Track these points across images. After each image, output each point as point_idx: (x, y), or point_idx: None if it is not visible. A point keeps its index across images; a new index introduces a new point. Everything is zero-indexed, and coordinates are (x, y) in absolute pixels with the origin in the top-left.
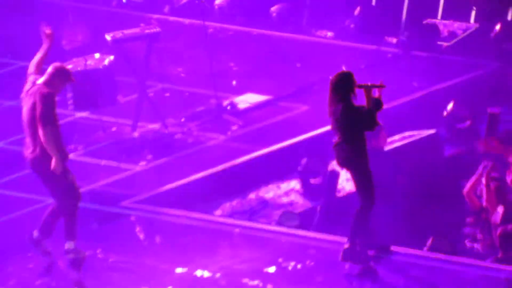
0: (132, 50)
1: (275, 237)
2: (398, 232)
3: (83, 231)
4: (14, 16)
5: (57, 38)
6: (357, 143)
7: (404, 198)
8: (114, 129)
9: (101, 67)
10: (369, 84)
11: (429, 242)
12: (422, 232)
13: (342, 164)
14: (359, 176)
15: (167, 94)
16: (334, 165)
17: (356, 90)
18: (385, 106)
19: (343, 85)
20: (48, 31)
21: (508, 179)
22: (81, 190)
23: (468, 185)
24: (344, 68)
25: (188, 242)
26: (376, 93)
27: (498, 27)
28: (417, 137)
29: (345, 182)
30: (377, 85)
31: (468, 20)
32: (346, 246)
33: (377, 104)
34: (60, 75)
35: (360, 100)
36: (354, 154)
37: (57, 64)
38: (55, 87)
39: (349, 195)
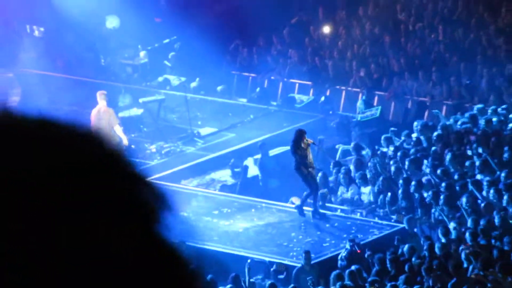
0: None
1: (217, 196)
2: None
3: None
4: None
5: None
6: (297, 161)
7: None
8: (133, 146)
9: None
10: (310, 140)
11: None
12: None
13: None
14: (301, 176)
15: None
16: (247, 161)
17: (305, 140)
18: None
19: (295, 134)
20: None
21: None
22: None
23: None
24: (299, 127)
25: (179, 197)
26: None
27: (322, 98)
28: (287, 149)
29: (251, 171)
30: (313, 142)
31: (308, 94)
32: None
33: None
34: None
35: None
36: (296, 166)
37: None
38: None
39: (252, 177)
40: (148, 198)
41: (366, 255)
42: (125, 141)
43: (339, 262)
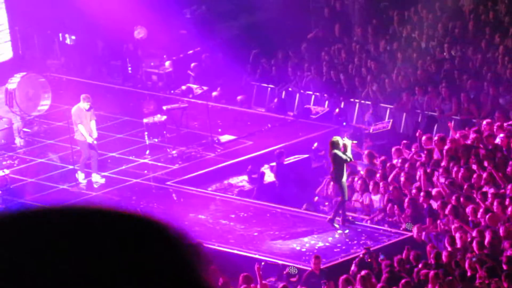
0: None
1: (234, 201)
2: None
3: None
4: None
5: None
6: (337, 170)
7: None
8: (174, 151)
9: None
10: (352, 141)
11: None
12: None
13: (332, 179)
14: (338, 185)
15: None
16: (263, 168)
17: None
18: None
19: (334, 146)
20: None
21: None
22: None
23: (319, 188)
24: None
25: (199, 201)
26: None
27: (337, 110)
28: (302, 157)
29: (267, 177)
30: (354, 141)
31: (323, 105)
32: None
33: (349, 159)
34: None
35: None
36: (335, 175)
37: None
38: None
39: (269, 183)
40: (192, 264)
41: (379, 259)
42: (91, 137)
43: (352, 267)
